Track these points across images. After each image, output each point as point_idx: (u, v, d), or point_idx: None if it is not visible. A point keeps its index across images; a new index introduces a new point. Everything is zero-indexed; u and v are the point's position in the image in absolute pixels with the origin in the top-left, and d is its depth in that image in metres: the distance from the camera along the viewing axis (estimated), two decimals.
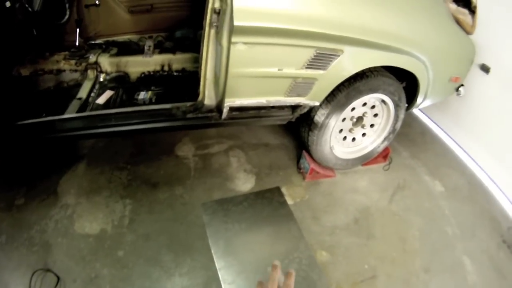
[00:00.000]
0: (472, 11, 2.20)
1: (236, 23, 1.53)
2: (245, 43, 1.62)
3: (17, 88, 2.37)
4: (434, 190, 2.44)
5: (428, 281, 1.91)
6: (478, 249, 2.09)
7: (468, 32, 2.25)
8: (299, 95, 1.90)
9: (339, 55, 1.79)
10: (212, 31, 1.74)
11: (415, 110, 3.07)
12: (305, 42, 1.70)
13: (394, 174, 2.52)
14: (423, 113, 3.05)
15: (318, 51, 1.74)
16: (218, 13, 1.67)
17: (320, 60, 1.78)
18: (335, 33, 1.73)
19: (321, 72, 1.82)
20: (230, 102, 1.82)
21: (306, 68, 1.78)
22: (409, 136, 2.81)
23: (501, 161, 2.42)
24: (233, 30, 1.56)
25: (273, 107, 1.95)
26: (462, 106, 2.64)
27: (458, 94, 2.46)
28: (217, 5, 1.65)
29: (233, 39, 1.59)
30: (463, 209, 2.33)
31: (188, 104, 1.93)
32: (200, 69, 1.85)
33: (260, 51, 1.67)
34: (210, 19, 1.70)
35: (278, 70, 1.75)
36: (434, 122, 2.93)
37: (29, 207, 2.22)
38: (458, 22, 2.26)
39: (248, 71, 1.72)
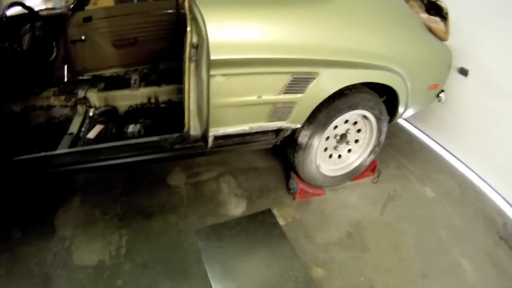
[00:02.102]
0: (444, 17, 2.24)
1: (213, 57, 1.59)
2: (223, 75, 1.68)
3: (9, 125, 2.43)
4: (425, 197, 2.47)
5: (426, 286, 1.92)
6: (475, 249, 2.10)
7: (442, 39, 2.29)
8: (280, 119, 1.95)
9: (315, 78, 1.84)
10: (192, 65, 1.80)
11: (400, 120, 3.11)
12: (281, 69, 1.76)
13: (383, 185, 2.55)
14: (409, 123, 3.09)
15: (294, 76, 1.80)
16: (196, 48, 1.74)
17: (297, 84, 1.83)
18: (309, 57, 1.79)
19: (299, 95, 1.87)
20: (214, 131, 1.87)
21: (284, 93, 1.83)
22: (395, 146, 2.85)
23: (488, 159, 2.45)
24: (210, 64, 1.62)
25: (256, 132, 2.00)
26: (445, 111, 2.68)
27: (440, 100, 2.51)
28: (194, 40, 1.72)
29: (211, 72, 1.64)
30: (456, 212, 2.35)
31: (175, 135, 1.99)
32: (184, 101, 1.91)
33: (239, 81, 1.73)
34: (189, 54, 1.77)
35: (258, 97, 1.80)
36: (419, 130, 2.97)
37: (27, 240, 2.25)
38: (431, 30, 2.30)
39: (229, 101, 1.78)
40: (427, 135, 2.90)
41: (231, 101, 1.79)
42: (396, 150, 2.85)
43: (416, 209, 2.38)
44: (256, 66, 1.72)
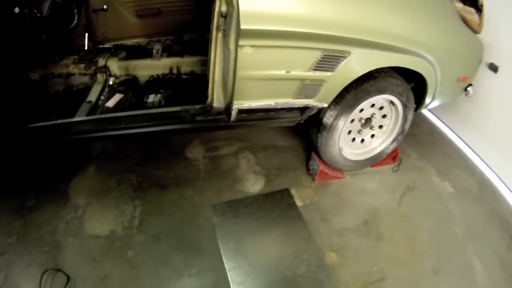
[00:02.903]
0: (479, 9, 2.17)
1: (243, 26, 1.54)
2: (252, 46, 1.63)
3: (27, 92, 2.41)
4: (444, 191, 2.42)
5: (437, 282, 1.89)
6: (488, 250, 2.06)
7: (475, 31, 2.22)
8: (307, 97, 1.90)
9: (346, 57, 1.78)
10: (219, 35, 1.74)
11: (424, 111, 3.04)
12: (312, 44, 1.70)
13: (403, 175, 2.50)
14: (432, 114, 3.02)
15: (325, 53, 1.74)
16: (225, 17, 1.68)
17: (328, 62, 1.77)
18: (342, 35, 1.72)
19: (328, 74, 1.82)
20: (239, 104, 1.83)
21: (314, 70, 1.78)
22: (417, 137, 2.79)
23: (510, 161, 2.39)
24: (240, 34, 1.56)
25: (281, 109, 1.95)
26: (471, 106, 2.61)
27: (467, 94, 2.44)
28: (223, 8, 1.66)
29: (240, 43, 1.59)
30: (472, 210, 2.30)
31: (197, 106, 1.95)
32: (208, 72, 1.86)
33: (268, 53, 1.67)
34: (217, 23, 1.71)
35: (286, 72, 1.75)
36: (443, 122, 2.90)
37: (40, 208, 2.25)
38: (465, 21, 2.24)
39: (256, 73, 1.73)
40: (450, 128, 2.83)
41: (258, 74, 1.74)
42: (417, 140, 2.77)
43: (434, 203, 2.33)
44: (287, 40, 1.65)
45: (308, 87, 1.85)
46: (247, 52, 1.64)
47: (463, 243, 2.10)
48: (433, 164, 2.59)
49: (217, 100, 1.90)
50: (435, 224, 2.20)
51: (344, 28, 1.72)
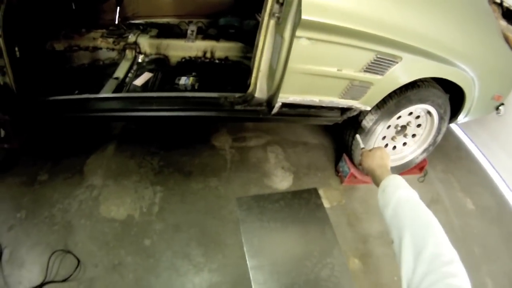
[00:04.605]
0: None
1: (304, 16, 1.46)
2: (309, 39, 1.56)
3: (50, 63, 2.29)
4: (465, 208, 2.40)
5: None
6: (501, 271, 2.05)
7: None
8: (352, 98, 1.85)
9: (397, 62, 1.74)
10: (272, 22, 1.67)
11: (452, 124, 3.03)
12: (368, 45, 1.64)
13: (428, 187, 2.47)
14: (459, 128, 3.01)
15: (378, 56, 1.69)
16: (281, 4, 1.61)
17: (379, 65, 1.72)
18: (397, 39, 1.67)
19: (378, 77, 1.77)
20: (284, 98, 1.76)
21: (365, 71, 1.73)
22: (444, 149, 2.76)
23: None
24: (299, 24, 1.49)
25: (323, 107, 1.89)
26: (499, 125, 2.60)
27: (498, 113, 2.42)
28: None
29: (298, 33, 1.52)
30: (490, 230, 2.28)
31: (237, 95, 1.87)
32: (254, 60, 1.79)
33: (323, 48, 1.61)
34: (271, 9, 1.64)
35: (338, 70, 1.69)
36: (469, 138, 2.89)
37: (53, 184, 2.15)
38: (507, 40, 2.22)
39: (308, 67, 1.67)
40: (475, 144, 2.82)
41: (310, 69, 1.68)
42: (444, 153, 2.75)
43: (456, 219, 2.31)
44: (345, 37, 1.59)
45: (355, 88, 1.80)
46: (303, 44, 1.57)
47: (478, 262, 2.08)
48: (457, 179, 2.57)
49: (259, 90, 1.83)
50: (455, 240, 2.10)
51: (401, 32, 1.67)
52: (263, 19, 1.69)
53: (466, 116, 2.30)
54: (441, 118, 2.18)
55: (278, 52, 1.66)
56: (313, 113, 1.94)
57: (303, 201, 2.10)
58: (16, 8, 1.80)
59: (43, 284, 1.67)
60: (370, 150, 1.19)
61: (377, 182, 1.06)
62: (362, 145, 1.38)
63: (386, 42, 1.66)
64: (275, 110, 1.83)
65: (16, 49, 1.84)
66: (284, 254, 1.87)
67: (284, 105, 1.82)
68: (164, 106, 1.94)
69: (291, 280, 1.77)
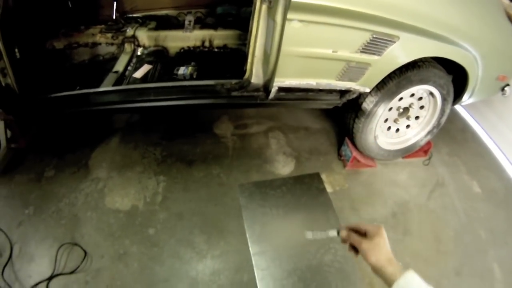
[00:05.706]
0: None
1: None
2: (301, 21, 1.55)
3: (51, 61, 2.33)
4: (472, 191, 2.35)
5: (458, 284, 1.84)
6: (508, 257, 2.01)
7: None
8: (350, 80, 1.83)
9: (395, 41, 1.71)
10: (264, 7, 1.66)
11: (457, 106, 2.97)
12: (362, 25, 1.62)
13: (433, 170, 2.43)
14: (465, 110, 2.95)
15: (374, 35, 1.66)
16: None
17: (376, 45, 1.70)
18: (393, 18, 1.65)
19: (375, 57, 1.74)
20: (280, 82, 1.76)
21: (361, 52, 1.70)
22: (449, 132, 2.71)
23: None
24: (289, 6, 1.48)
25: (321, 90, 1.88)
26: (505, 106, 2.54)
27: (503, 94, 2.36)
28: None
29: (289, 16, 1.52)
30: (497, 214, 2.24)
31: (233, 81, 1.87)
32: (248, 46, 1.78)
33: (316, 30, 1.59)
34: None
35: (333, 52, 1.67)
36: (475, 120, 2.83)
37: (59, 179, 2.20)
38: (510, 18, 2.16)
39: (302, 50, 1.65)
40: (481, 126, 2.76)
41: (304, 51, 1.66)
42: (449, 135, 2.70)
43: (462, 202, 2.27)
44: (338, 17, 1.57)
45: (352, 70, 1.78)
46: (295, 26, 1.56)
47: (485, 247, 2.04)
48: (463, 162, 2.52)
49: (255, 76, 1.83)
50: (461, 223, 2.14)
51: (396, 11, 1.64)
52: (255, 4, 1.69)
53: (470, 97, 2.25)
54: (444, 99, 2.13)
55: (271, 36, 1.65)
56: (311, 96, 1.93)
57: (305, 186, 2.09)
58: (13, 11, 1.84)
59: (52, 277, 1.72)
60: (367, 238, 0.85)
61: (389, 281, 0.81)
62: (333, 233, 1.01)
63: (382, 21, 1.64)
64: (272, 94, 1.82)
65: (16, 50, 1.88)
66: (286, 240, 1.87)
67: (281, 89, 1.81)
68: (161, 96, 1.96)
69: (293, 265, 1.77)
